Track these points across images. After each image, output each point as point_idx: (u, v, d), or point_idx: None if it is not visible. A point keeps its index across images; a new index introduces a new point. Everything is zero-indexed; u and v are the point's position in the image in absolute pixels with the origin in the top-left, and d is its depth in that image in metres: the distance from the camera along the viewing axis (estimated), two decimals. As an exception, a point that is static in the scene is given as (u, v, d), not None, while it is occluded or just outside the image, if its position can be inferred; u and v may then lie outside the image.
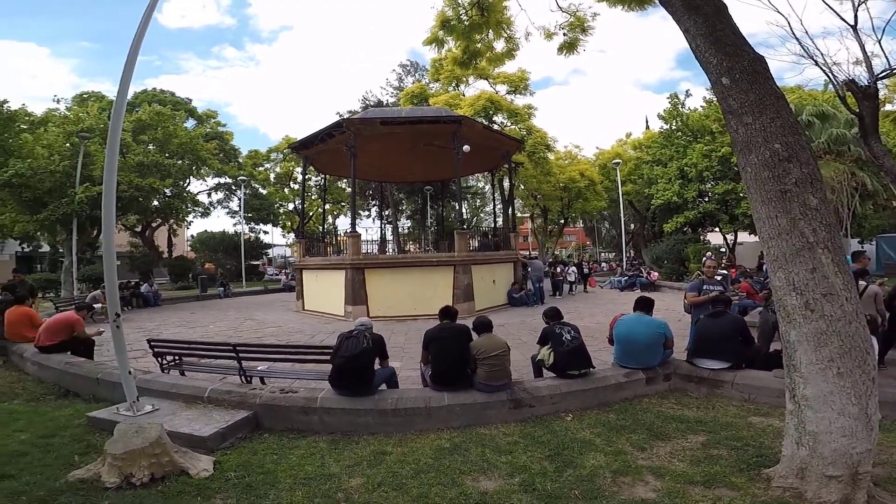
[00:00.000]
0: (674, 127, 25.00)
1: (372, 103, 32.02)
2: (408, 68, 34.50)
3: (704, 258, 8.85)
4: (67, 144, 18.17)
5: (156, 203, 22.27)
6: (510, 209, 24.40)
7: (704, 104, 23.86)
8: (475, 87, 26.55)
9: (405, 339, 9.32)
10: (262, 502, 3.15)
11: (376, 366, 4.90)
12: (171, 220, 27.79)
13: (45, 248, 33.03)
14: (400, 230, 31.50)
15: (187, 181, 26.98)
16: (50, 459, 3.78)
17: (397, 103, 28.55)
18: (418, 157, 16.30)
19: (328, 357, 5.10)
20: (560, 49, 7.55)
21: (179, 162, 23.53)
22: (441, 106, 20.44)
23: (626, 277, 19.96)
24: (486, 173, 25.17)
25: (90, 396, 5.67)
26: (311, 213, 34.48)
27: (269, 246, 40.23)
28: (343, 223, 39.27)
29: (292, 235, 41.76)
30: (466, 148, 12.95)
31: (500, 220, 25.38)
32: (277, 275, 36.75)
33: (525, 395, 4.73)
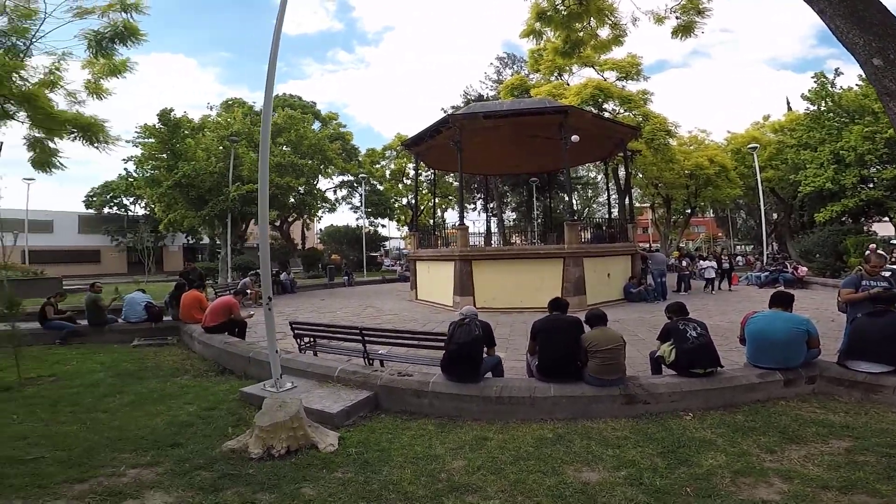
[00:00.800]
0: (823, 108, 21.50)
1: (473, 98, 32.41)
2: (505, 61, 34.39)
3: (867, 251, 7.45)
4: (220, 147, 21.07)
5: (292, 200, 25.01)
6: (627, 199, 22.99)
7: (861, 83, 20.07)
8: (580, 76, 25.49)
9: (510, 330, 9.36)
10: (376, 478, 3.41)
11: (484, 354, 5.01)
12: (305, 216, 31.02)
13: (206, 240, 39.20)
14: (505, 222, 31.51)
15: (317, 179, 29.87)
16: (209, 430, 4.37)
17: (497, 96, 28.49)
18: (522, 150, 16.16)
19: (440, 344, 5.35)
20: (674, 33, 7.01)
21: (310, 162, 26.12)
22: (544, 97, 19.99)
23: (766, 273, 17.64)
24: (598, 163, 24.03)
25: (242, 373, 6.48)
26: (422, 207, 36.03)
27: (386, 238, 42.90)
28: (451, 216, 40.39)
29: (406, 228, 44.09)
30: (575, 138, 12.53)
31: (615, 211, 24.11)
32: (393, 266, 39.13)
33: (640, 391, 4.53)
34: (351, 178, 35.69)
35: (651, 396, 4.51)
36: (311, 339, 6.86)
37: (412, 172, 37.49)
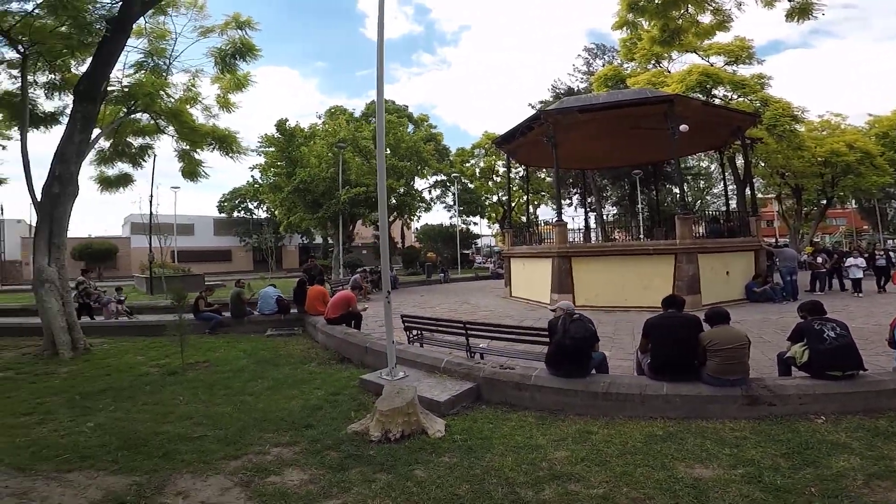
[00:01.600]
0: None
1: (562, 91, 31.48)
2: (594, 51, 32.96)
3: None
4: (329, 154, 22.84)
5: (393, 201, 26.36)
6: (748, 190, 20.74)
7: None
8: (681, 62, 23.62)
9: (614, 329, 9.10)
10: (479, 463, 3.59)
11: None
12: (405, 215, 32.53)
13: (318, 240, 42.75)
14: (605, 217, 30.16)
15: (414, 180, 31.14)
16: (335, 413, 4.79)
17: (589, 88, 27.40)
18: (623, 142, 15.37)
19: (540, 339, 5.47)
20: (789, 16, 6.43)
21: (408, 163, 27.33)
22: (642, 86, 18.92)
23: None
24: (711, 153, 22.03)
25: (359, 362, 7.06)
26: (513, 204, 35.80)
27: (478, 236, 43.33)
28: (544, 213, 39.60)
29: (496, 226, 44.14)
30: (684, 127, 11.64)
31: (733, 203, 21.97)
32: (484, 263, 39.41)
33: (764, 393, 4.29)
34: (444, 177, 36.60)
35: (777, 398, 4.27)
36: (419, 332, 7.27)
37: (502, 170, 37.70)
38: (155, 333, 9.81)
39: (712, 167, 35.29)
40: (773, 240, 35.48)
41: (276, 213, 27.31)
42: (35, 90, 10.23)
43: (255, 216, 43.33)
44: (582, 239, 15.92)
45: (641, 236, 19.42)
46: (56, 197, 8.35)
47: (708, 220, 15.03)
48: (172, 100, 11.18)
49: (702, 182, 39.80)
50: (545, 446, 3.87)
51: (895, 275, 13.66)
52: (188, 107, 11.57)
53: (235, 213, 43.35)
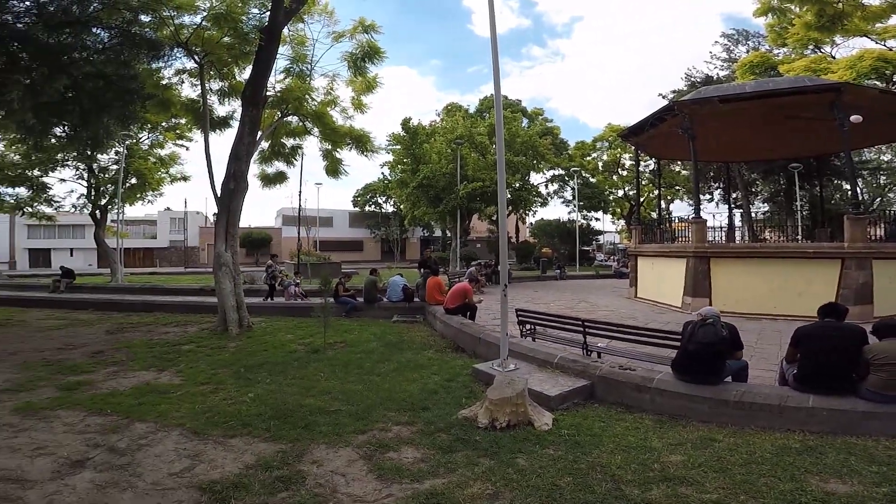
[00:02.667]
0: None
1: (699, 80, 28.55)
2: (734, 37, 29.21)
3: None
4: (448, 150, 23.66)
5: (508, 195, 26.44)
6: None
7: None
8: (848, 47, 19.85)
9: (757, 338, 8.20)
10: (584, 458, 3.57)
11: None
12: (520, 210, 32.42)
13: (437, 233, 44.68)
14: (753, 215, 26.68)
15: (529, 175, 30.84)
16: (449, 399, 5.07)
17: (732, 77, 24.33)
18: (776, 133, 13.70)
19: (666, 342, 5.25)
20: None
21: (523, 158, 27.16)
22: (799, 74, 16.33)
23: None
24: (892, 145, 18.22)
25: (472, 352, 7.32)
26: (641, 199, 33.39)
27: (599, 233, 41.36)
28: (677, 208, 36.18)
29: (622, 222, 41.54)
30: (856, 118, 10.22)
31: None
32: (606, 261, 37.40)
33: None
34: (562, 171, 35.51)
35: None
36: (532, 326, 7.32)
37: (628, 163, 35.31)
38: (301, 314, 11.23)
39: None
40: None
41: (402, 207, 29.18)
42: (210, 97, 11.81)
43: (382, 210, 46.80)
44: (724, 238, 14.41)
45: (799, 237, 17.03)
46: (232, 192, 9.83)
47: (890, 220, 12.48)
48: (316, 103, 12.55)
49: (882, 178, 32.82)
50: (659, 449, 3.74)
51: None
52: (329, 109, 12.89)
53: (367, 207, 47.29)
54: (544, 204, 37.23)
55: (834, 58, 19.88)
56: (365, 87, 12.39)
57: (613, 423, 4.38)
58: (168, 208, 47.70)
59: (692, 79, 30.07)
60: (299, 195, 23.10)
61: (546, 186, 37.28)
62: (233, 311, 9.54)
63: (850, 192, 12.61)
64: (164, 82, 11.54)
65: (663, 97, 31.79)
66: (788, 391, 4.36)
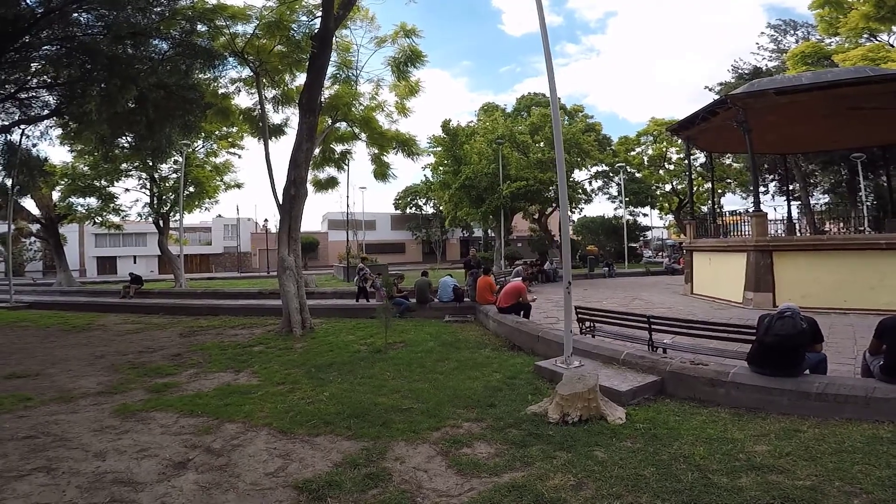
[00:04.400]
0: None
1: (747, 72, 27.53)
2: (782, 28, 27.86)
3: None
4: (489, 150, 23.61)
5: (552, 193, 26.14)
6: None
7: None
8: None
9: (828, 332, 7.89)
10: (665, 450, 3.56)
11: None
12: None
13: (476, 233, 44.71)
14: (812, 207, 25.28)
15: (573, 172, 30.38)
16: (514, 396, 5.14)
17: (783, 67, 23.28)
18: (836, 124, 13.24)
19: (736, 336, 5.26)
20: None
21: (567, 156, 26.74)
22: (856, 63, 15.47)
23: None
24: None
25: (530, 350, 7.35)
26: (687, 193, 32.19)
27: (647, 228, 40.15)
28: (728, 202, 34.62)
29: (670, 217, 40.13)
30: None
31: None
32: (655, 257, 36.23)
33: None
34: (606, 167, 34.73)
35: None
36: (591, 324, 7.30)
37: (674, 157, 34.13)
38: (356, 315, 11.62)
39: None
40: None
41: (443, 208, 29.37)
42: (266, 105, 11.78)
43: (423, 212, 47.31)
44: (784, 231, 13.81)
45: (866, 228, 16.04)
46: (293, 198, 10.20)
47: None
48: (362, 108, 12.87)
49: None
50: (742, 440, 3.70)
51: None
52: (375, 114, 13.16)
53: (408, 210, 47.96)
54: (588, 201, 36.54)
55: (893, 46, 18.71)
56: (408, 90, 12.61)
57: (689, 417, 4.35)
58: (220, 215, 50.09)
59: (740, 70, 29.02)
60: (347, 199, 23.80)
61: (590, 183, 36.60)
62: (296, 312, 9.89)
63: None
64: (221, 91, 11.96)
65: (710, 90, 30.65)
66: (875, 382, 4.25)
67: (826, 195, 29.19)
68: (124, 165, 20.67)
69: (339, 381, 6.16)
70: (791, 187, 26.44)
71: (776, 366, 4.50)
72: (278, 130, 13.56)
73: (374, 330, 9.40)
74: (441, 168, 26.61)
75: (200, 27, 9.83)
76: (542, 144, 26.01)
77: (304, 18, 10.39)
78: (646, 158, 35.94)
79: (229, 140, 22.83)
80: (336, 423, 4.51)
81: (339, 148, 14.54)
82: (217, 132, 21.29)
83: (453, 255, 47.46)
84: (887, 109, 10.93)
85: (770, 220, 12.49)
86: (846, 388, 4.22)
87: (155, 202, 22.72)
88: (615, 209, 37.18)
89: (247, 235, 49.27)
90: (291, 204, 10.20)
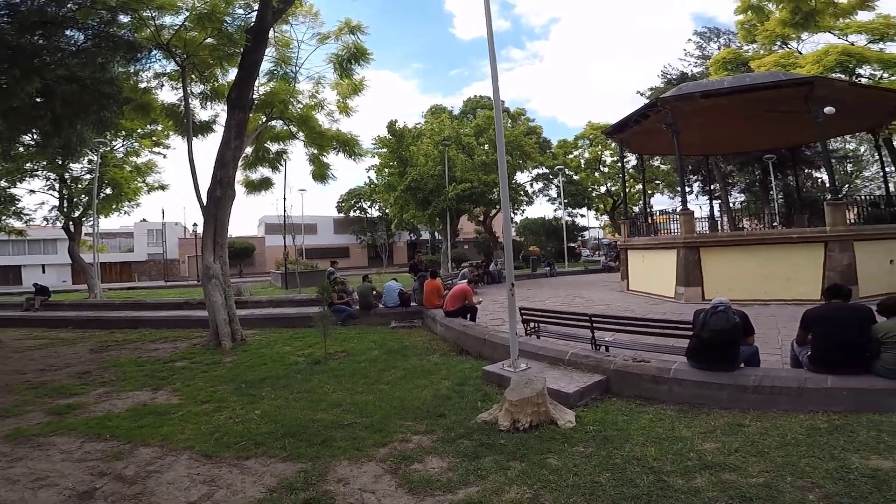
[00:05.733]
0: None
1: (674, 77, 29.49)
2: (706, 35, 30.66)
3: None
4: (436, 152, 23.49)
5: (495, 195, 26.41)
6: None
7: None
8: (813, 43, 20.80)
9: (753, 323, 8.33)
10: (618, 453, 3.53)
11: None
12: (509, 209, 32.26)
13: (423, 236, 44.45)
14: (731, 205, 27.45)
15: (515, 174, 30.95)
16: (463, 404, 4.97)
17: (706, 73, 25.22)
18: (753, 126, 14.27)
19: (671, 332, 5.35)
20: None
21: (510, 158, 27.14)
22: (770, 69, 17.13)
23: None
24: (858, 134, 19.18)
25: (478, 354, 7.22)
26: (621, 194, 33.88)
27: (585, 229, 41.79)
28: (657, 202, 36.79)
29: (605, 218, 42.02)
30: (829, 110, 10.85)
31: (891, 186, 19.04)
32: (592, 256, 37.75)
33: None
34: (546, 170, 35.76)
35: None
36: (536, 325, 7.28)
37: (609, 159, 35.76)
38: (294, 325, 10.96)
39: (862, 149, 30.30)
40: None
41: (389, 211, 28.85)
42: (192, 100, 11.18)
43: (368, 215, 46.38)
44: (708, 228, 14.78)
45: (777, 224, 17.59)
46: (218, 200, 9.54)
47: (867, 204, 13.06)
48: (301, 106, 12.30)
49: (849, 165, 34.28)
50: (691, 438, 3.73)
51: None
52: (314, 112, 12.62)
53: (351, 213, 46.80)
54: (530, 203, 37.44)
55: (801, 53, 20.72)
56: (351, 89, 12.19)
57: (636, 416, 4.36)
58: (144, 219, 46.46)
59: (668, 76, 30.87)
60: (284, 202, 22.58)
61: (531, 185, 37.52)
62: (225, 324, 9.27)
63: (822, 180, 13.20)
64: (142, 86, 11.14)
65: (641, 94, 32.40)
66: (805, 373, 4.44)
67: (742, 194, 31.78)
68: (29, 165, 18.58)
69: (272, 397, 5.76)
70: (712, 187, 28.56)
71: (713, 360, 4.63)
72: (206, 128, 12.68)
73: (313, 340, 8.93)
74: (386, 170, 26.10)
75: (123, 18, 9.04)
76: (486, 147, 26.23)
77: (241, 11, 9.82)
78: (583, 161, 37.38)
79: (153, 139, 21.17)
80: (269, 443, 4.18)
81: (274, 147, 13.85)
82: (140, 130, 19.68)
83: (400, 258, 46.85)
84: (796, 112, 11.78)
85: (696, 219, 13.24)
86: (780, 379, 4.39)
87: (65, 205, 20.63)
88: (555, 210, 38.43)
89: (174, 241, 45.97)
90: (217, 206, 9.52)
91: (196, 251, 35.73)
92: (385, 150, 24.28)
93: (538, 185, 38.13)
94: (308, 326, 9.71)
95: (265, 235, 44.31)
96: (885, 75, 18.41)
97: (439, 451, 3.86)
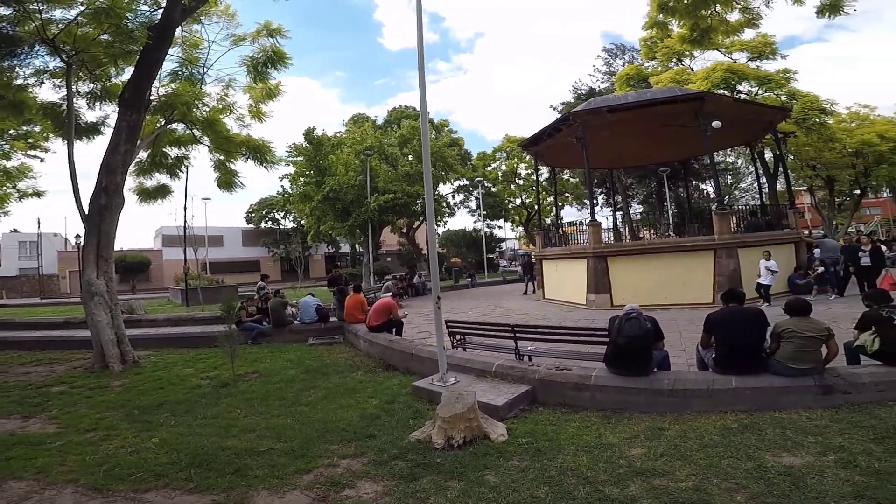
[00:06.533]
0: None
1: (583, 92, 31.59)
2: (613, 52, 33.63)
3: None
4: (357, 162, 22.94)
5: (418, 206, 26.33)
6: (784, 182, 20.44)
7: None
8: (703, 60, 23.84)
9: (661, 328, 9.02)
10: (552, 464, 3.52)
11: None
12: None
13: (343, 248, 43.10)
14: (632, 216, 29.86)
15: (438, 186, 31.17)
16: (394, 422, 4.74)
17: (612, 89, 27.39)
18: (652, 140, 15.51)
19: (594, 339, 5.43)
20: (820, 12, 6.58)
21: (432, 169, 27.26)
22: (666, 85, 19.02)
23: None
24: (736, 148, 21.95)
25: (405, 369, 7.00)
26: (535, 206, 35.55)
27: (502, 240, 43.19)
28: (567, 214, 39.19)
29: (520, 229, 43.85)
30: (717, 124, 11.91)
31: (765, 196, 21.93)
32: (509, 266, 39.18)
33: (838, 382, 4.30)
34: (466, 182, 36.54)
35: (852, 386, 4.28)
36: (462, 337, 7.21)
37: (524, 172, 37.48)
38: (197, 345, 10.02)
39: (739, 162, 34.79)
40: (807, 231, 34.62)
41: (305, 222, 27.56)
42: (77, 100, 10.24)
43: (281, 226, 44.03)
44: (613, 238, 15.84)
45: (671, 233, 19.29)
46: (103, 209, 8.48)
47: (748, 213, 14.78)
48: (207, 109, 11.34)
49: (729, 177, 39.17)
50: (618, 444, 3.80)
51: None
52: (222, 116, 11.71)
53: (263, 224, 44.12)
54: (452, 214, 37.93)
55: (692, 70, 23.20)
56: (266, 94, 11.49)
57: (564, 425, 4.39)
58: (15, 230, 40.14)
59: (578, 91, 33.11)
60: (185, 212, 20.47)
61: (453, 197, 38.08)
62: (113, 345, 8.26)
63: (707, 192, 14.80)
64: (18, 82, 9.73)
65: (555, 109, 34.44)
66: (713, 375, 4.71)
67: (641, 205, 34.86)
68: None
69: (172, 423, 5.17)
70: (616, 199, 31.01)
71: (630, 366, 4.81)
72: (92, 130, 11.32)
73: (219, 361, 8.17)
74: (302, 179, 24.90)
75: (3, 10, 7.89)
76: (410, 157, 26.10)
77: (146, 7, 8.96)
78: (500, 174, 38.77)
79: (28, 140, 18.25)
80: (171, 474, 3.79)
81: (174, 152, 12.58)
82: (13, 131, 16.89)
83: (318, 271, 44.94)
84: (688, 127, 12.77)
85: (603, 229, 14.15)
86: (691, 382, 4.64)
87: (-83, 214, 17.13)
88: (475, 222, 39.34)
89: (52, 254, 40.07)
90: (101, 216, 8.43)
91: (80, 265, 31.46)
92: (301, 158, 23.20)
93: (459, 197, 38.86)
94: (213, 346, 8.91)
95: (163, 248, 40.21)
96: (760, 91, 21.30)
97: (372, 475, 3.62)
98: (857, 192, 27.01)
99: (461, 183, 36.69)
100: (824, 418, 3.94)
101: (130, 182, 12.32)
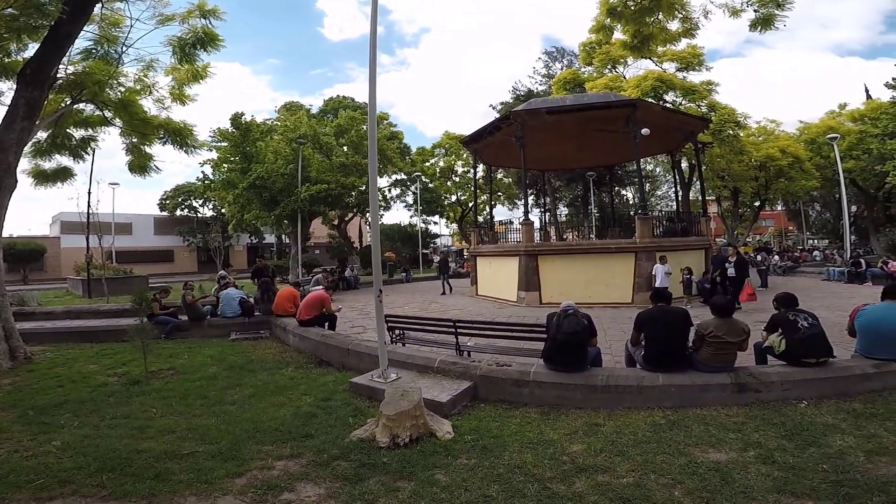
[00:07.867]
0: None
1: (522, 93, 32.44)
2: (553, 55, 35.08)
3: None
4: (288, 150, 21.86)
5: (354, 198, 25.60)
6: (699, 191, 22.33)
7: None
8: (636, 68, 25.24)
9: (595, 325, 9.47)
10: (500, 462, 3.53)
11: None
12: (366, 214, 31.77)
13: (268, 239, 40.96)
14: (558, 217, 31.22)
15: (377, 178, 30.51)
16: (332, 421, 4.51)
17: (549, 91, 28.39)
18: (584, 144, 16.13)
19: (533, 335, 5.53)
20: (753, 26, 6.98)
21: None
22: (601, 90, 19.95)
23: (849, 268, 16.74)
24: (656, 156, 23.53)
25: (340, 365, 6.73)
26: (470, 204, 36.10)
27: (437, 236, 43.34)
28: (498, 213, 40.21)
29: (454, 226, 44.31)
30: (646, 131, 12.54)
31: (680, 204, 23.70)
32: (444, 262, 39.35)
33: (750, 380, 4.61)
34: (404, 176, 36.26)
35: (762, 385, 4.58)
36: (401, 332, 7.10)
37: (460, 169, 37.91)
38: (102, 339, 9.08)
39: (657, 170, 37.50)
40: (714, 239, 38.19)
41: (226, 210, 25.80)
42: None
43: (199, 214, 40.91)
44: (543, 238, 16.41)
45: (592, 236, 20.36)
46: None
47: (666, 219, 15.92)
48: (122, 90, 10.27)
49: (647, 184, 42.21)
50: (559, 441, 3.87)
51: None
52: (140, 98, 10.64)
53: (178, 212, 40.75)
54: (388, 208, 37.41)
55: (626, 77, 24.47)
56: (191, 76, 10.52)
57: (506, 421, 4.42)
58: None
59: (517, 91, 34.01)
60: (89, 196, 18.23)
61: (390, 191, 37.54)
62: (0, 340, 7.22)
63: (628, 198, 15.78)
64: None
65: (494, 108, 35.09)
66: (642, 372, 4.93)
67: (567, 208, 36.60)
68: None
69: (75, 425, 4.63)
70: (545, 200, 32.29)
71: (567, 362, 4.93)
72: (-17, 104, 9.66)
73: (128, 357, 7.41)
74: (226, 165, 23.25)
75: None
76: (346, 148, 25.31)
77: None
78: (438, 170, 38.87)
79: None
80: (79, 480, 3.41)
81: (79, 133, 11.23)
82: None
83: (240, 263, 42.25)
84: (619, 132, 13.30)
85: (536, 229, 14.63)
86: (623, 378, 4.84)
87: None
88: (410, 217, 39.15)
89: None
90: (-11, 197, 7.28)
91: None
92: (226, 143, 21.67)
93: (396, 191, 38.43)
94: (121, 341, 8.08)
95: (61, 235, 35.78)
96: (685, 101, 22.93)
97: (313, 477, 3.40)
98: (758, 203, 29.78)
99: (399, 177, 36.31)
100: (740, 415, 4.19)
101: (25, 163, 10.86)
